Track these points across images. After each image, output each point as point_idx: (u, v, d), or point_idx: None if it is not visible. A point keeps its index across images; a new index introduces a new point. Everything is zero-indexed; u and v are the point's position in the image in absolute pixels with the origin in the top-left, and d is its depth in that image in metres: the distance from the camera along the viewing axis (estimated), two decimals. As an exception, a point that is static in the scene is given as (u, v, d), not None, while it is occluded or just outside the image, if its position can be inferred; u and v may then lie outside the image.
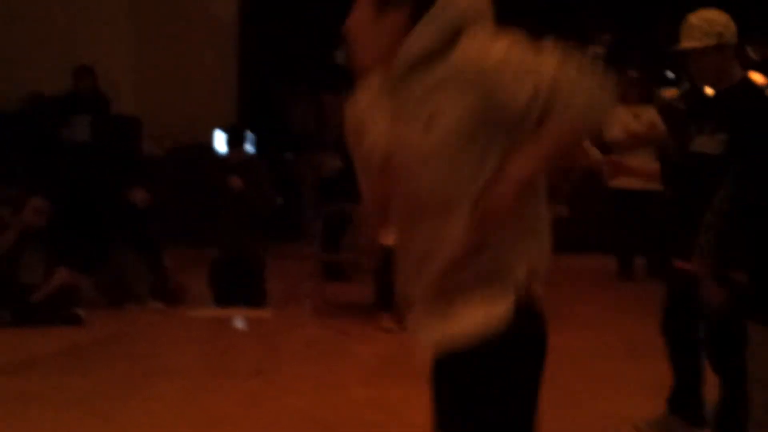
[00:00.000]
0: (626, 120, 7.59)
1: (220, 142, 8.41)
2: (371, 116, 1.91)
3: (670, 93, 10.66)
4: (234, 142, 7.20)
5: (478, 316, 1.86)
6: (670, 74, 11.48)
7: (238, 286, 6.84)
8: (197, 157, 8.58)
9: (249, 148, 8.02)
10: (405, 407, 4.49)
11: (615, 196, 7.63)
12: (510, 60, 1.81)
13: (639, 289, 7.50)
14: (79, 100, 7.89)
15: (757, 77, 7.53)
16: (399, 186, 1.92)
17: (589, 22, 11.04)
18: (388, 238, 6.48)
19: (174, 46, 9.72)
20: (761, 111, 3.53)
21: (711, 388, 3.67)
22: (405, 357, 5.58)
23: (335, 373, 5.11)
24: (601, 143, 5.91)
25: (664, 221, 6.72)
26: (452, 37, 1.85)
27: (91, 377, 4.90)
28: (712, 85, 3.69)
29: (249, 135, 8.96)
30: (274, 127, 10.44)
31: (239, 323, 6.46)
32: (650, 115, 7.87)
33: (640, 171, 4.86)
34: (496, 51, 1.82)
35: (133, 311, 6.59)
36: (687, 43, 3.56)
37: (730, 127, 3.46)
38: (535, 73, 1.79)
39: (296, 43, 10.44)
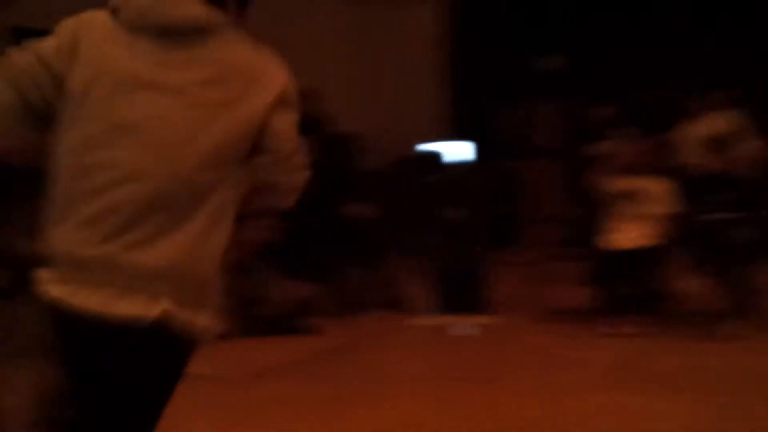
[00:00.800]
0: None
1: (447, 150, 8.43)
2: None
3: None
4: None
5: None
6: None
7: (461, 294, 6.91)
8: (415, 169, 8.72)
9: (469, 158, 8.06)
10: (639, 414, 4.35)
11: None
12: None
13: None
14: (304, 121, 8.24)
15: None
16: None
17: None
18: (607, 241, 6.35)
19: (389, 64, 9.97)
20: None
21: None
22: (634, 362, 5.41)
23: (563, 380, 5.02)
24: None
25: None
26: None
27: (324, 384, 5.08)
28: None
29: (469, 145, 9.04)
30: (489, 137, 10.47)
31: (463, 330, 6.48)
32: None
33: None
34: None
35: (361, 320, 6.81)
36: None
37: None
38: None
39: (505, 52, 10.43)
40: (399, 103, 9.80)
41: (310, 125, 8.47)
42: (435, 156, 7.51)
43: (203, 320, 2.04)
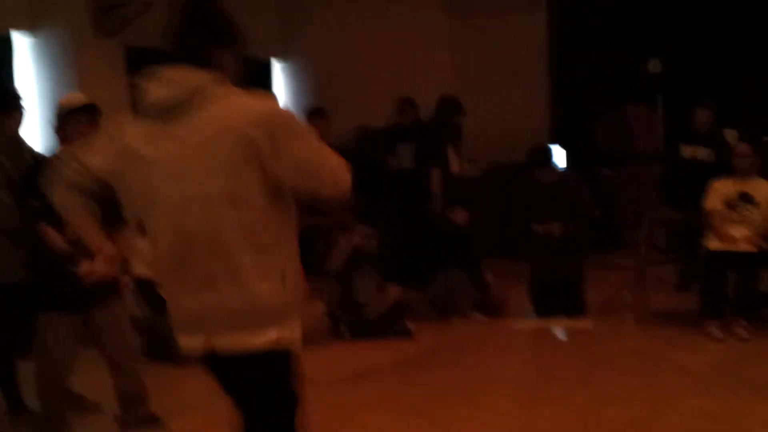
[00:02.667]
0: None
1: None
2: None
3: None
4: (541, 162, 7.24)
5: None
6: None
7: (558, 297, 6.89)
8: (512, 176, 8.73)
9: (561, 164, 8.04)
10: (743, 419, 4.29)
11: None
12: None
13: None
14: (403, 129, 8.38)
15: None
16: None
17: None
18: (714, 243, 6.25)
19: (487, 71, 10.03)
20: None
21: None
22: (738, 366, 5.32)
23: (663, 384, 4.98)
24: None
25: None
26: None
27: (422, 386, 5.17)
28: None
29: (559, 152, 9.01)
30: (584, 143, 10.39)
31: (561, 334, 6.47)
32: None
33: None
34: None
35: (458, 324, 6.88)
36: None
37: None
38: None
39: (605, 56, 10.34)
40: (498, 109, 9.82)
41: (407, 133, 8.60)
42: (547, 150, 7.48)
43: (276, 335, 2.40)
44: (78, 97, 4.55)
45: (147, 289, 6.22)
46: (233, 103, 2.34)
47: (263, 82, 9.70)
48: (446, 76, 10.01)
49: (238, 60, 2.49)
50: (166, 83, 2.35)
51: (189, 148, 2.32)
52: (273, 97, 2.59)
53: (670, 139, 7.78)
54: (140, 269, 6.16)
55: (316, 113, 8.07)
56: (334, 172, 2.44)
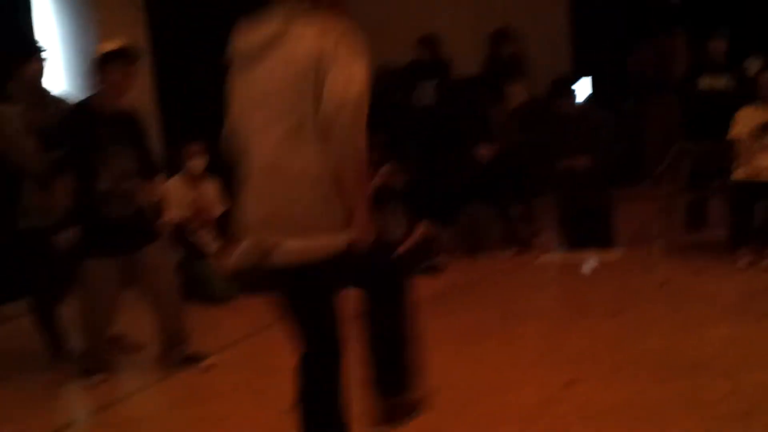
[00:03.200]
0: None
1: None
2: None
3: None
4: (561, 91, 7.23)
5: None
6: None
7: (587, 230, 6.94)
8: (538, 109, 8.70)
9: (584, 96, 8.01)
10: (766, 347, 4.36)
11: None
12: None
13: None
14: (424, 67, 8.36)
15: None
16: None
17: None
18: (740, 173, 6.25)
19: (509, 6, 9.94)
20: None
21: None
22: (765, 294, 5.37)
23: (690, 313, 5.04)
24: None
25: None
26: None
27: (452, 321, 5.26)
28: None
29: (585, 83, 8.94)
30: (613, 74, 10.28)
31: (590, 266, 6.53)
32: None
33: None
34: None
35: (487, 259, 6.96)
36: None
37: None
38: None
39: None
40: (527, 47, 9.73)
41: (427, 71, 8.64)
42: (567, 81, 7.47)
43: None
44: (114, 43, 4.53)
45: (181, 233, 6.35)
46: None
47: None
48: (469, 13, 9.93)
49: None
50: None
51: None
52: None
53: (688, 71, 7.69)
54: (174, 213, 6.30)
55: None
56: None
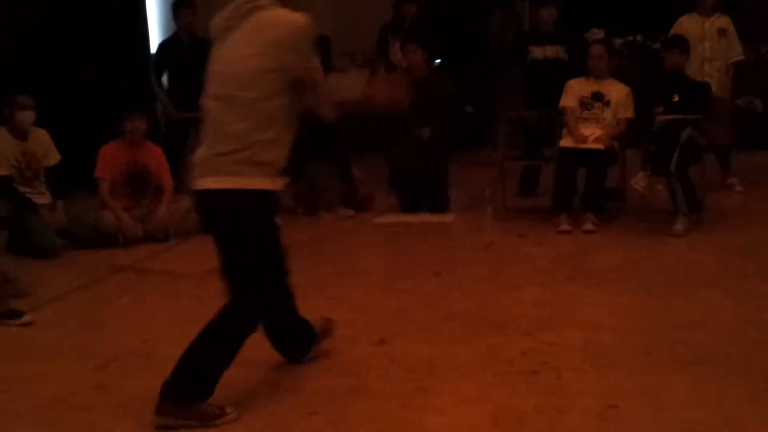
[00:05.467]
0: None
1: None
2: None
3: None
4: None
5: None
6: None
7: (422, 194, 7.14)
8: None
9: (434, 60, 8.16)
10: (575, 305, 4.66)
11: None
12: None
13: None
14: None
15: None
16: None
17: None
18: (567, 141, 6.57)
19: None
20: None
21: None
22: (578, 257, 5.70)
23: (507, 274, 5.32)
24: None
25: None
26: None
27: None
28: None
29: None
30: (465, 38, 10.49)
31: (422, 228, 6.74)
32: None
33: None
34: None
35: (325, 219, 7.09)
36: None
37: None
38: None
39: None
40: (369, 6, 9.84)
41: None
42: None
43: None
44: None
45: (9, 185, 6.18)
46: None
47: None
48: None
49: None
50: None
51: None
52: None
53: (522, 40, 7.96)
54: (2, 166, 6.12)
55: (183, 3, 7.96)
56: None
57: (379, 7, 8.83)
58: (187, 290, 5.16)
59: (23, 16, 7.66)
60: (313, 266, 5.66)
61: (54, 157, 6.36)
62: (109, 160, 6.45)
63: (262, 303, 3.40)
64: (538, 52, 7.42)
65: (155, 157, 6.60)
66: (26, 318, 4.61)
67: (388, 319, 4.49)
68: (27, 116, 6.19)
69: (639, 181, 6.16)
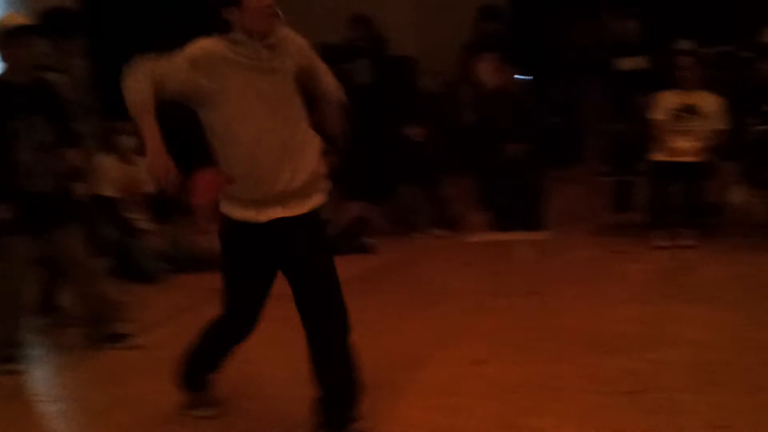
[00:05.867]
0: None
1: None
2: None
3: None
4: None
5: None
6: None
7: (516, 211, 7.10)
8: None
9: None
10: (674, 322, 4.56)
11: None
12: None
13: None
14: (358, 46, 8.42)
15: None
16: None
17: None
18: (659, 154, 6.44)
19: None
20: None
21: None
22: (677, 274, 5.58)
23: (604, 292, 5.24)
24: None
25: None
26: None
27: (380, 299, 5.40)
28: None
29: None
30: (549, 51, 10.39)
31: (516, 246, 6.69)
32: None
33: None
34: None
35: (417, 239, 7.11)
36: None
37: None
38: None
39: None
40: (459, 23, 9.84)
41: (364, 49, 8.71)
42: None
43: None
44: (21, 17, 4.52)
45: (114, 210, 6.39)
46: None
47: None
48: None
49: None
50: None
51: None
52: None
53: (606, 52, 7.86)
54: (107, 189, 6.33)
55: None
56: None
57: (463, 26, 8.83)
58: (283, 311, 5.22)
59: (127, 43, 7.92)
60: (406, 287, 5.70)
61: (152, 186, 6.53)
62: (205, 187, 6.58)
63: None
64: (622, 63, 7.32)
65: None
66: (130, 341, 4.76)
67: (484, 339, 4.48)
68: (128, 141, 6.37)
69: (736, 194, 6.01)
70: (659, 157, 6.42)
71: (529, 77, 8.49)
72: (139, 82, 3.15)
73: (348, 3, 9.16)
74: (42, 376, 4.48)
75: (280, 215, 3.21)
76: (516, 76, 7.54)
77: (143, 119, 3.22)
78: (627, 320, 4.63)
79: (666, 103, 6.56)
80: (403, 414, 3.56)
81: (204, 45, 3.17)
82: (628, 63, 7.31)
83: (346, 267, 6.17)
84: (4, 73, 4.46)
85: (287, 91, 3.22)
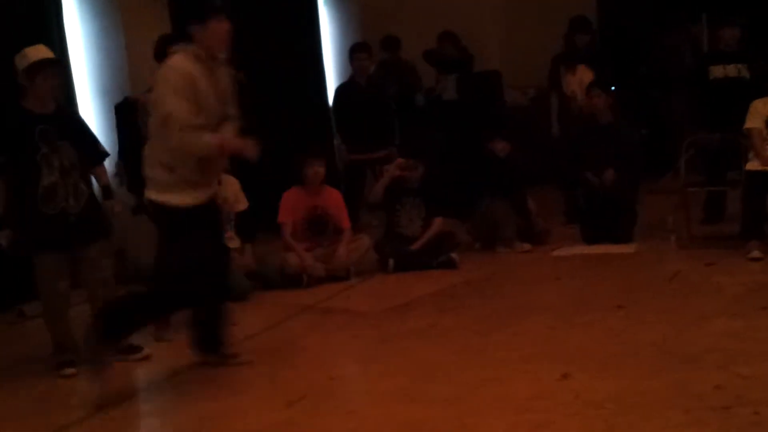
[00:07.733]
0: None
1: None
2: None
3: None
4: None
5: None
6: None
7: (606, 224, 7.00)
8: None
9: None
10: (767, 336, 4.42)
11: None
12: None
13: None
14: (445, 61, 8.46)
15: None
16: None
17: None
18: (754, 164, 6.26)
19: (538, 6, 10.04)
20: None
21: None
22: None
23: (696, 306, 5.11)
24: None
25: None
26: None
27: (463, 315, 5.39)
28: None
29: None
30: (639, 61, 10.24)
31: (603, 260, 6.58)
32: None
33: None
34: None
35: (502, 253, 7.06)
36: None
37: None
38: None
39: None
40: (545, 36, 9.80)
41: (451, 65, 8.77)
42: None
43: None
44: (44, 51, 4.77)
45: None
46: None
47: (308, 16, 9.68)
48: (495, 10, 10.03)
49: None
50: None
51: None
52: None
53: (699, 60, 7.67)
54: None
55: (359, 48, 8.22)
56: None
57: (551, 38, 8.79)
58: (368, 328, 5.27)
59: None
60: (492, 301, 5.68)
61: (243, 203, 6.67)
62: (291, 206, 6.70)
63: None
64: (718, 71, 7.16)
65: (334, 200, 6.80)
66: (145, 352, 4.92)
67: (571, 354, 4.41)
68: None
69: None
70: (754, 166, 6.24)
71: (620, 88, 8.41)
72: (186, 137, 4.03)
73: (436, 18, 9.24)
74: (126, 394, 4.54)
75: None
76: (612, 88, 7.43)
77: (212, 145, 4.11)
78: (717, 334, 4.50)
79: (761, 111, 6.37)
80: (490, 429, 3.53)
81: (178, 68, 3.99)
82: (723, 70, 7.15)
83: (429, 283, 6.28)
84: (28, 103, 4.72)
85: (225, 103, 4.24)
